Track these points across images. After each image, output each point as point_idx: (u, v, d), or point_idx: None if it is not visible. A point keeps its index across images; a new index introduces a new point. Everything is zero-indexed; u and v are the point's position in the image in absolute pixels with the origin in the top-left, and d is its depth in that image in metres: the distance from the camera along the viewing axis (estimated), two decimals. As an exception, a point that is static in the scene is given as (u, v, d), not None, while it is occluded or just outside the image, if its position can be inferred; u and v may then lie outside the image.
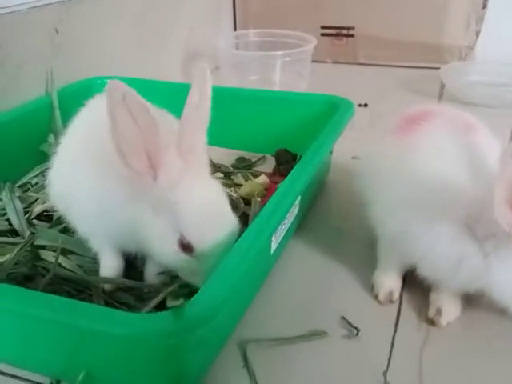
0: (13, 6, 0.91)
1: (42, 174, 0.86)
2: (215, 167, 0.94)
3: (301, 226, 0.79)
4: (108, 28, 1.13)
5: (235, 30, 1.69)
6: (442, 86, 1.34)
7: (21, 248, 0.61)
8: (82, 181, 0.58)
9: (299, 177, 0.65)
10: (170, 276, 0.59)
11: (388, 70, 1.55)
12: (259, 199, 0.84)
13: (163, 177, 0.52)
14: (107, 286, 0.60)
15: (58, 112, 0.93)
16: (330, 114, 0.86)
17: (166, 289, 0.54)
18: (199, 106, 0.55)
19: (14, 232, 0.71)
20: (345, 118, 0.85)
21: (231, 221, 0.55)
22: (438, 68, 1.37)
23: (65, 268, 0.62)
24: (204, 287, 0.46)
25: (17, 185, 0.84)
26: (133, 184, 0.53)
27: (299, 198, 0.68)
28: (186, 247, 0.53)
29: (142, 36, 1.22)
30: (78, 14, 1.04)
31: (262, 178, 0.89)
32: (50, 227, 0.71)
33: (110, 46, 1.14)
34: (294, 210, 0.69)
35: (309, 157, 0.70)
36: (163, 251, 0.54)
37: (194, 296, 0.46)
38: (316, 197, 0.87)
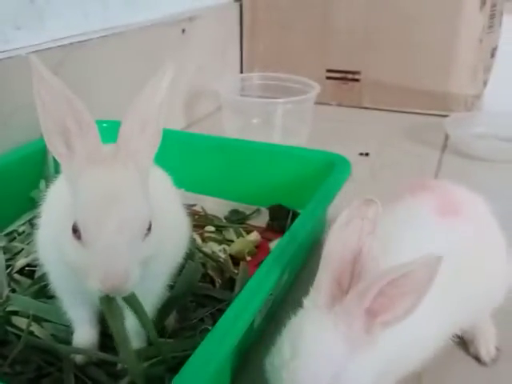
0: (12, 50, 0.91)
1: (30, 222, 0.84)
2: (208, 219, 0.93)
3: (291, 289, 0.76)
4: (112, 69, 1.13)
5: (241, 69, 1.69)
6: (446, 137, 1.32)
7: (-8, 314, 0.59)
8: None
9: (287, 251, 0.63)
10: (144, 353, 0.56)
11: (393, 116, 1.54)
12: (249, 258, 0.82)
13: (77, 160, 0.49)
14: (79, 359, 0.57)
15: (50, 157, 0.91)
16: (326, 171, 0.85)
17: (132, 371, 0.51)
18: (151, 100, 0.52)
19: (-8, 288, 0.70)
20: (341, 178, 0.83)
21: (128, 212, 0.47)
22: (444, 116, 1.36)
23: (37, 337, 0.59)
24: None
25: (3, 233, 0.82)
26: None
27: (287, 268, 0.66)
28: (76, 233, 0.47)
29: (147, 76, 1.21)
30: (80, 56, 1.03)
31: (254, 235, 0.86)
32: (31, 285, 0.68)
33: (112, 87, 1.13)
34: (281, 283, 0.66)
35: (299, 227, 0.68)
36: (63, 240, 0.49)
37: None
38: (310, 256, 0.84)
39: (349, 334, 0.45)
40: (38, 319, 0.62)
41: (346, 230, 0.48)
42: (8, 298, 0.63)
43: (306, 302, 0.49)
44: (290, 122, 1.28)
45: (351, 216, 0.48)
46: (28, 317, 0.60)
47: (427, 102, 1.50)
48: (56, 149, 0.49)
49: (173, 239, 0.60)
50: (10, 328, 0.61)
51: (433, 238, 0.55)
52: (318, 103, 1.33)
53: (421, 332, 0.50)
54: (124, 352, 0.52)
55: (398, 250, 0.52)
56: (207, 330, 0.57)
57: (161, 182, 0.66)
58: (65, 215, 0.49)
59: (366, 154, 1.24)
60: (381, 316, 0.45)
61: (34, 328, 0.60)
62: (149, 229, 0.49)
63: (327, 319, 0.46)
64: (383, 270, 0.45)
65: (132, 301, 0.51)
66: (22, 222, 0.85)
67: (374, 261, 0.47)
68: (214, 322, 0.63)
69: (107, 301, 0.49)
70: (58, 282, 0.58)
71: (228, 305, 0.55)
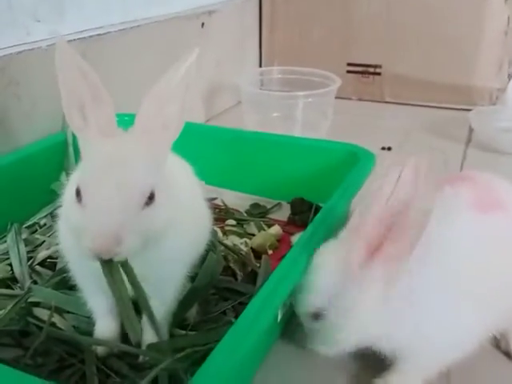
0: (33, 43, 0.91)
1: (51, 214, 0.84)
2: (228, 212, 0.91)
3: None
4: (131, 63, 1.13)
5: (260, 65, 1.68)
6: (471, 131, 1.29)
7: (14, 305, 0.59)
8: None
9: (310, 244, 0.61)
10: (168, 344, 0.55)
11: (415, 110, 1.51)
12: (271, 252, 0.80)
13: (91, 132, 0.49)
14: (101, 351, 0.56)
15: (71, 149, 0.91)
16: (349, 164, 0.83)
17: (159, 363, 0.50)
18: (171, 82, 0.51)
19: (15, 279, 0.69)
20: (365, 170, 0.81)
21: (127, 176, 0.47)
22: (467, 110, 1.33)
23: (58, 328, 0.59)
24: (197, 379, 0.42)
25: (25, 225, 0.82)
26: None
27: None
28: (78, 197, 0.47)
29: (163, 72, 1.21)
30: (99, 48, 1.03)
31: (276, 229, 0.85)
32: (52, 277, 0.68)
33: (133, 81, 1.12)
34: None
35: (322, 221, 0.66)
36: (68, 206, 0.50)
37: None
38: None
39: (347, 261, 0.50)
40: (59, 310, 0.61)
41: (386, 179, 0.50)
42: (30, 289, 0.63)
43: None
44: (310, 115, 1.26)
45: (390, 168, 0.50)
46: (49, 308, 0.60)
47: (450, 96, 1.47)
48: (74, 122, 0.50)
49: (192, 224, 0.58)
50: (31, 319, 0.61)
51: (470, 234, 0.53)
52: (338, 98, 1.31)
53: (461, 330, 0.50)
54: (127, 320, 0.51)
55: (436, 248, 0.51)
56: (230, 323, 0.56)
57: (181, 170, 0.65)
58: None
59: (389, 149, 1.22)
60: (382, 249, 0.48)
61: (56, 319, 0.60)
62: (150, 198, 0.48)
63: (336, 245, 0.55)
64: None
65: (127, 271, 0.50)
66: (44, 214, 0.85)
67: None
68: (237, 315, 0.62)
69: (107, 265, 0.48)
70: (78, 271, 0.58)
71: (250, 298, 0.53)
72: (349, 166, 0.82)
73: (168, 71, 0.52)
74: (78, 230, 0.47)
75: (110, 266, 0.48)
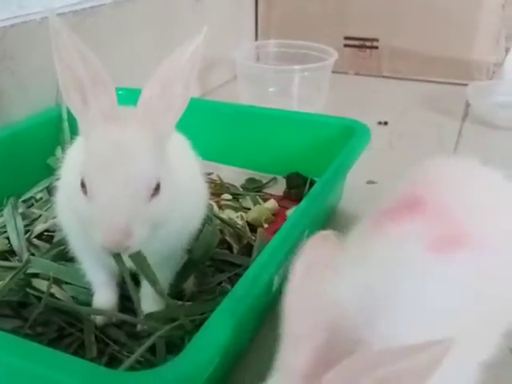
0: (26, 15, 0.90)
1: (47, 188, 0.85)
2: (224, 187, 0.92)
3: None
4: (125, 37, 1.11)
5: (256, 38, 1.66)
6: (467, 106, 1.29)
7: (13, 276, 0.59)
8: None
9: (305, 216, 0.62)
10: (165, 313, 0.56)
11: (412, 84, 1.50)
12: (266, 226, 0.81)
13: (92, 116, 0.49)
14: (99, 320, 0.58)
15: (66, 124, 0.91)
16: (345, 138, 0.83)
17: (155, 333, 0.51)
18: (175, 64, 0.51)
19: (12, 252, 0.70)
20: (360, 143, 0.81)
21: (133, 168, 0.47)
22: (464, 84, 1.32)
23: (57, 299, 0.60)
24: (193, 345, 0.43)
25: (21, 199, 0.82)
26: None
27: (306, 233, 0.65)
28: (83, 188, 0.47)
29: (160, 45, 1.20)
30: (94, 23, 1.02)
31: (271, 203, 0.86)
32: (50, 249, 0.69)
33: (127, 55, 1.12)
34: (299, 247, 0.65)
35: (317, 193, 0.67)
36: (74, 196, 0.49)
37: (184, 350, 0.43)
38: (324, 226, 0.83)
39: None
40: (58, 281, 0.62)
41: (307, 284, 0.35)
42: (28, 260, 0.64)
43: None
44: (306, 90, 1.26)
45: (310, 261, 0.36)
46: (48, 279, 0.60)
47: (447, 70, 1.47)
48: (73, 104, 0.49)
49: (191, 202, 0.59)
50: (30, 290, 0.62)
51: (426, 293, 0.38)
52: (335, 72, 1.31)
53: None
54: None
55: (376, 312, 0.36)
56: (225, 293, 0.57)
57: (179, 146, 0.65)
58: (77, 172, 0.49)
59: (385, 123, 1.22)
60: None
61: (54, 290, 0.61)
62: (156, 189, 0.48)
63: None
64: (368, 354, 0.31)
65: (139, 261, 0.51)
66: (40, 188, 0.85)
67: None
68: (232, 286, 0.63)
69: (118, 256, 0.49)
70: (76, 243, 0.58)
71: (245, 270, 0.54)
72: (344, 140, 0.82)
73: (174, 51, 0.51)
74: (85, 220, 0.48)
75: (120, 257, 0.49)
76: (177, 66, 0.50)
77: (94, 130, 0.48)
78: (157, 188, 0.48)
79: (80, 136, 0.53)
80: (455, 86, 1.44)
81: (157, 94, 0.50)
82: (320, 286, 0.34)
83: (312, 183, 0.87)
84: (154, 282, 0.54)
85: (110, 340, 0.56)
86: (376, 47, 1.52)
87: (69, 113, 0.91)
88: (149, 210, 0.47)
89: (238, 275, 0.65)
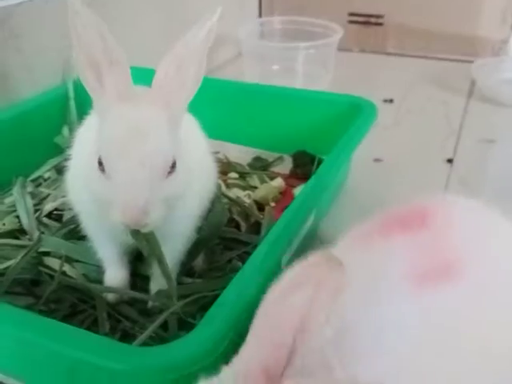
0: (31, -6, 0.89)
1: (55, 167, 0.85)
2: (231, 166, 0.92)
3: (314, 238, 0.76)
4: (131, 16, 1.10)
5: (260, 15, 1.64)
6: (473, 83, 1.28)
7: (25, 255, 0.60)
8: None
9: (314, 194, 0.62)
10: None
11: (417, 61, 1.49)
12: (273, 204, 0.82)
13: (107, 95, 0.49)
14: (111, 297, 0.59)
15: (73, 103, 0.91)
16: (352, 115, 0.83)
17: (167, 309, 0.52)
18: (188, 45, 0.51)
19: (23, 231, 0.71)
20: (368, 122, 0.81)
21: (151, 147, 0.47)
22: (470, 61, 1.31)
23: (69, 276, 0.61)
24: (206, 320, 0.44)
25: (29, 179, 0.83)
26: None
27: (314, 211, 0.66)
28: (100, 166, 0.48)
29: (167, 24, 1.18)
30: (100, 2, 1.01)
31: (278, 181, 0.86)
32: (60, 228, 0.69)
33: (133, 34, 1.10)
34: (307, 225, 0.66)
35: (325, 171, 0.67)
36: (90, 174, 0.50)
37: (198, 325, 0.44)
38: (331, 204, 0.84)
39: None
40: (69, 260, 0.63)
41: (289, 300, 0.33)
42: (39, 239, 0.64)
43: None
44: (311, 67, 1.25)
45: (299, 280, 0.32)
46: (60, 257, 0.61)
47: (453, 47, 1.45)
48: (88, 83, 0.49)
49: (202, 181, 0.60)
50: (42, 268, 0.62)
51: (401, 329, 0.34)
52: (340, 49, 1.29)
53: None
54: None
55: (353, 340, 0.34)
56: (235, 270, 0.58)
57: (190, 125, 0.65)
58: (93, 150, 0.49)
59: (391, 101, 1.22)
60: None
61: (66, 268, 0.61)
62: (172, 167, 0.49)
63: None
64: None
65: (152, 241, 0.52)
66: (48, 167, 0.85)
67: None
68: (243, 263, 0.64)
69: (136, 232, 0.50)
70: (88, 221, 0.59)
71: (254, 248, 0.55)
72: (351, 118, 0.82)
73: (188, 32, 0.51)
74: (102, 199, 0.49)
75: (139, 233, 0.50)
76: (192, 46, 0.51)
77: (110, 110, 0.49)
78: (173, 166, 0.49)
79: (92, 115, 0.53)
80: (461, 62, 1.43)
81: (171, 74, 0.50)
82: (303, 302, 0.32)
83: (319, 161, 0.87)
84: (161, 262, 0.54)
85: (122, 317, 0.57)
86: (381, 24, 1.50)
87: (75, 91, 0.91)
88: (166, 188, 0.48)
89: (247, 253, 0.66)
